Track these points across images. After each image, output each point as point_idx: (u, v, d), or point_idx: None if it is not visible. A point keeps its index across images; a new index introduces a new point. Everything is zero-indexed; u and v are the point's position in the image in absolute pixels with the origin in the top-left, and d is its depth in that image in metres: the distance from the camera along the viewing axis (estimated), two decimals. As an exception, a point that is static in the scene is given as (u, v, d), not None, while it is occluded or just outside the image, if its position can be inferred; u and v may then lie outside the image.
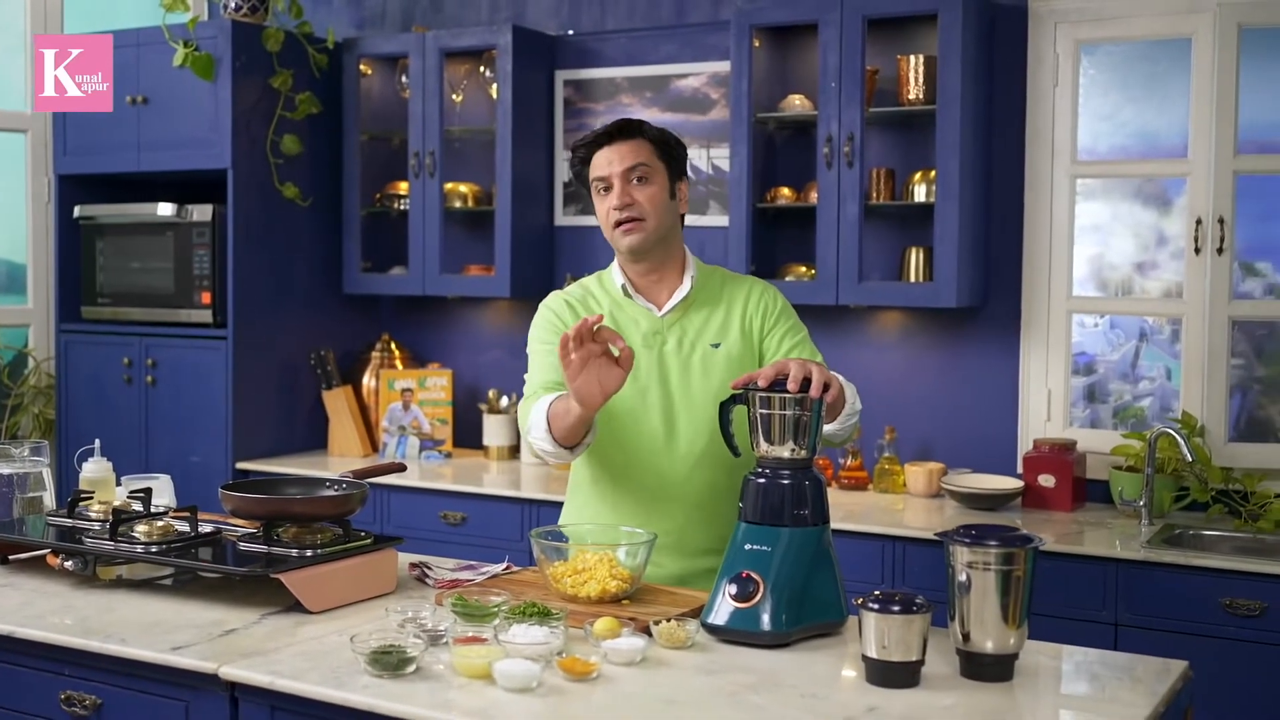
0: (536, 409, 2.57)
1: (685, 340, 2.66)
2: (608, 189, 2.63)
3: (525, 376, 2.74)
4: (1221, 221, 3.77)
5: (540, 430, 2.54)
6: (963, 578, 2.11)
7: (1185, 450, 3.55)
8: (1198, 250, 3.83)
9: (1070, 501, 3.82)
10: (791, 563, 2.28)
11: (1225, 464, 3.78)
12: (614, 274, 2.73)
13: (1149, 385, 4.09)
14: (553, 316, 2.72)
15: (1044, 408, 4.05)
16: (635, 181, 2.62)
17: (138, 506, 2.74)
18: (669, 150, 2.68)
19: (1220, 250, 3.79)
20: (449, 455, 4.74)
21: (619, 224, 2.62)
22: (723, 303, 2.70)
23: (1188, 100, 3.84)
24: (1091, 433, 4.03)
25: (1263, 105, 3.81)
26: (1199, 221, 3.82)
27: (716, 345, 2.65)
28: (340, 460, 4.68)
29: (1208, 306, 3.82)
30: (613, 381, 2.39)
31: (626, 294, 2.69)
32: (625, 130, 2.66)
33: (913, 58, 3.99)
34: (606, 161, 2.63)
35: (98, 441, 3.03)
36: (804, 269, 4.19)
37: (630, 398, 2.62)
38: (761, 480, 2.33)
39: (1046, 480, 3.83)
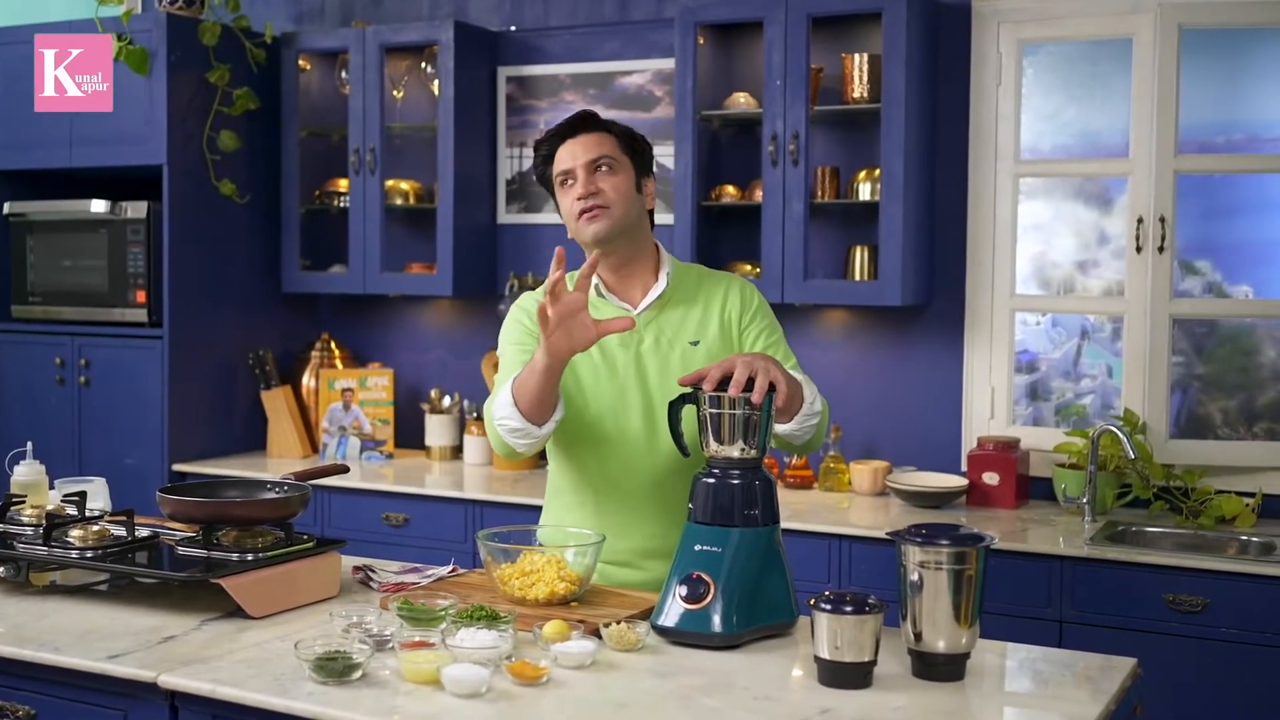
0: (503, 390, 2.46)
1: (663, 338, 2.59)
2: (571, 182, 2.55)
3: (495, 378, 2.65)
4: (1163, 220, 3.81)
5: (507, 407, 2.43)
6: (914, 577, 2.10)
7: (1128, 448, 3.57)
8: (1139, 249, 3.86)
9: (1014, 499, 3.83)
10: (742, 563, 2.26)
11: (1166, 461, 3.81)
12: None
13: (1090, 383, 4.12)
14: (524, 317, 2.63)
15: (987, 406, 4.07)
16: (600, 171, 2.54)
17: (72, 510, 2.68)
18: (634, 145, 2.61)
19: (1161, 249, 3.82)
20: (390, 456, 4.68)
21: (583, 213, 2.53)
22: (700, 300, 2.62)
23: (1129, 100, 3.86)
24: (1034, 430, 4.06)
25: (1203, 105, 3.84)
26: (1140, 220, 3.84)
27: (695, 343, 2.58)
28: (279, 461, 4.61)
29: (1149, 305, 3.85)
30: (584, 336, 2.34)
31: (600, 294, 2.61)
32: (587, 122, 2.59)
33: (857, 56, 3.99)
34: (570, 155, 2.56)
35: (29, 444, 2.97)
36: (749, 267, 4.18)
37: (609, 397, 2.56)
38: (711, 480, 2.31)
39: (991, 478, 3.84)
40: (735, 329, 2.62)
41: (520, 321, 2.64)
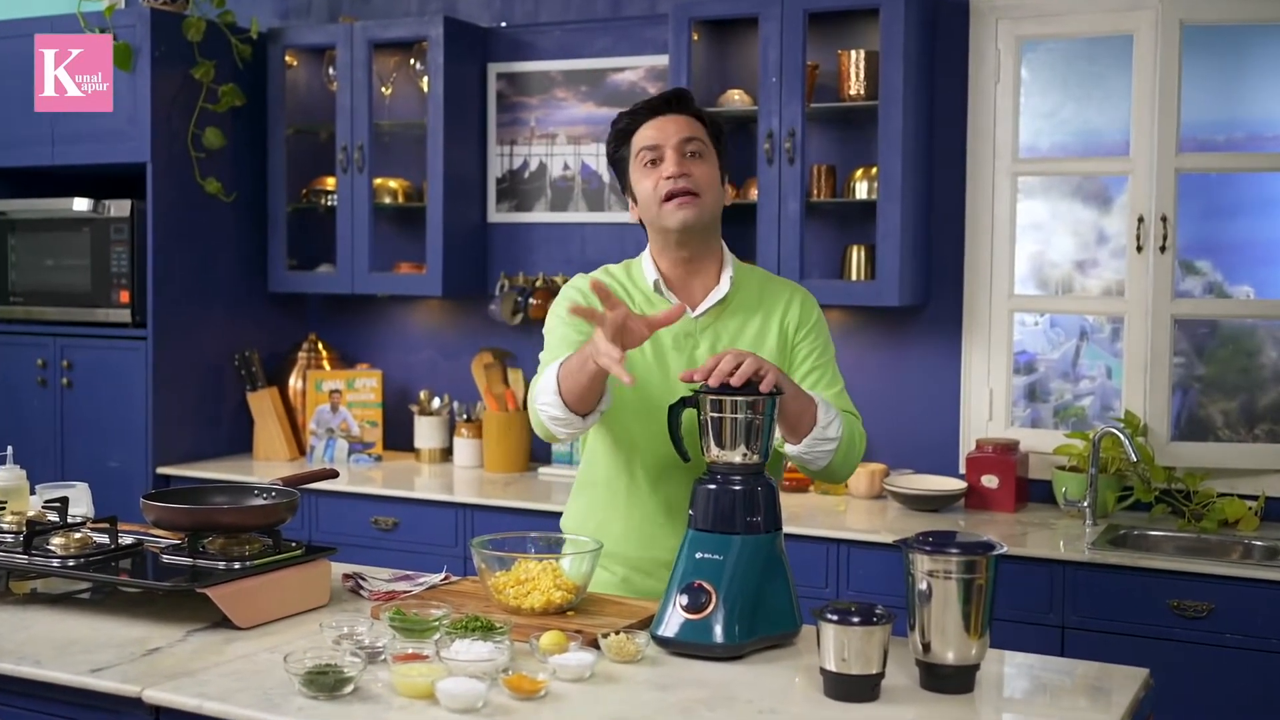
0: (547, 373, 2.34)
1: (719, 346, 2.44)
2: (658, 160, 2.40)
3: (540, 356, 2.53)
4: (1164, 220, 3.75)
5: (549, 394, 2.31)
6: (923, 586, 2.05)
7: (1130, 450, 3.52)
8: (1139, 248, 3.80)
9: (1013, 502, 3.78)
10: (744, 571, 2.20)
11: (1167, 463, 3.76)
12: (645, 266, 2.50)
13: (1089, 384, 4.07)
14: (577, 296, 2.48)
15: (986, 407, 4.02)
16: (690, 155, 2.40)
17: (53, 517, 2.60)
18: (719, 136, 2.47)
19: (1163, 249, 3.76)
20: (379, 458, 4.62)
21: (671, 196, 2.39)
22: (760, 309, 2.49)
23: (1129, 98, 3.81)
24: (1032, 432, 4.00)
25: (1204, 103, 3.79)
26: (1141, 219, 3.79)
27: None
28: (266, 464, 4.54)
29: (1150, 305, 3.80)
30: (635, 338, 2.21)
31: (658, 290, 2.49)
32: (680, 101, 2.44)
33: (854, 53, 3.93)
34: (660, 132, 2.41)
35: (10, 448, 2.89)
36: (744, 267, 4.11)
37: (657, 398, 2.41)
38: (712, 486, 2.24)
39: (990, 481, 3.79)
40: (790, 343, 2.50)
41: (572, 298, 2.49)
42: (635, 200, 2.48)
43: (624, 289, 2.51)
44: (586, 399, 2.29)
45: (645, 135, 2.44)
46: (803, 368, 2.48)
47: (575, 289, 2.52)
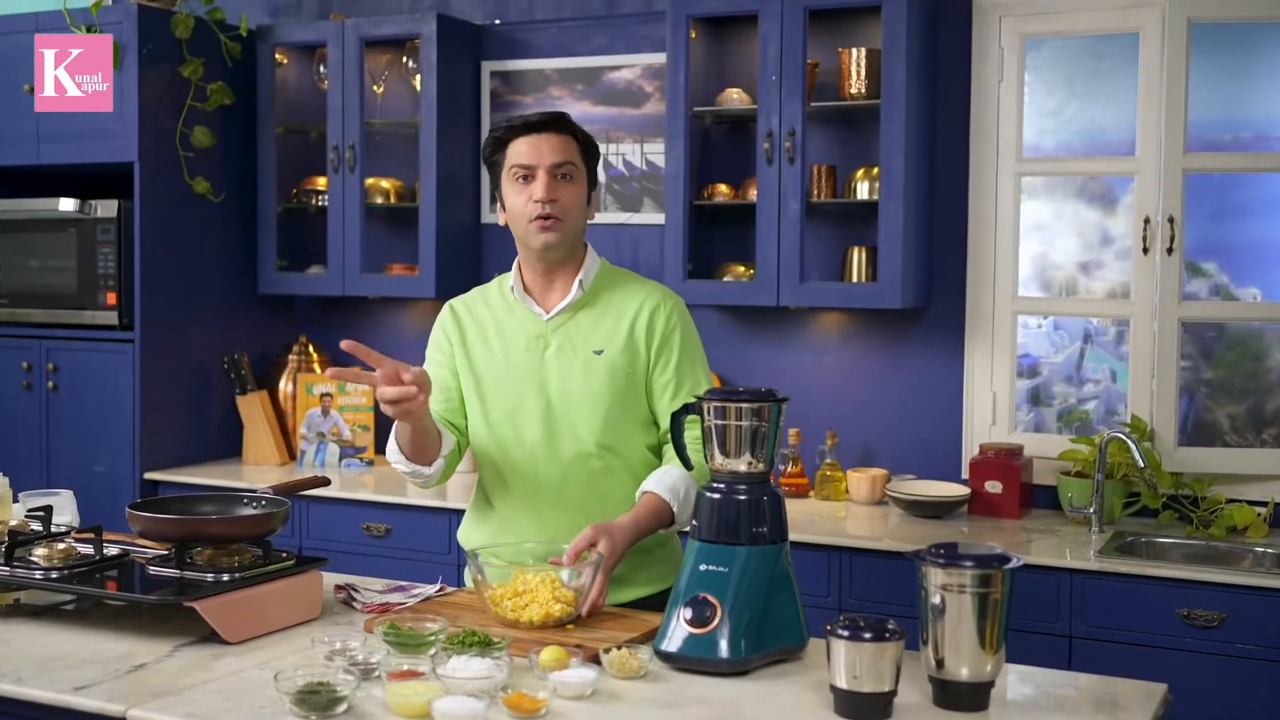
0: (392, 434, 2.50)
1: (568, 345, 2.57)
2: (529, 179, 2.52)
3: None
4: (1171, 221, 3.69)
5: (394, 452, 2.49)
6: (936, 600, 1.98)
7: (1137, 455, 3.45)
8: (1146, 250, 3.74)
9: (1017, 508, 3.71)
10: (750, 584, 2.14)
11: (1174, 469, 3.69)
12: (512, 274, 2.64)
13: (1094, 388, 4.01)
14: (440, 332, 2.68)
15: (989, 411, 3.95)
16: (560, 178, 2.52)
17: (36, 526, 2.53)
18: (590, 154, 2.62)
19: (1170, 250, 3.70)
20: (371, 463, 4.54)
21: (538, 218, 2.50)
22: (613, 309, 2.59)
23: (1135, 96, 3.75)
24: (1036, 437, 3.94)
25: (1211, 102, 3.72)
26: (1147, 220, 3.73)
27: (599, 352, 2.56)
28: (255, 469, 4.46)
29: (1157, 308, 3.73)
30: (414, 409, 2.32)
31: (514, 293, 2.61)
32: (557, 123, 2.57)
33: (855, 51, 3.86)
34: (534, 151, 2.52)
35: (-8, 455, 2.82)
36: (743, 269, 4.05)
37: (510, 401, 2.58)
38: (716, 496, 2.18)
39: (993, 486, 3.72)
40: (643, 348, 2.57)
41: (436, 336, 2.67)
42: (504, 209, 2.58)
43: (487, 302, 2.66)
44: (421, 451, 2.45)
45: (520, 151, 2.53)
46: (659, 382, 2.58)
47: (439, 323, 2.68)
